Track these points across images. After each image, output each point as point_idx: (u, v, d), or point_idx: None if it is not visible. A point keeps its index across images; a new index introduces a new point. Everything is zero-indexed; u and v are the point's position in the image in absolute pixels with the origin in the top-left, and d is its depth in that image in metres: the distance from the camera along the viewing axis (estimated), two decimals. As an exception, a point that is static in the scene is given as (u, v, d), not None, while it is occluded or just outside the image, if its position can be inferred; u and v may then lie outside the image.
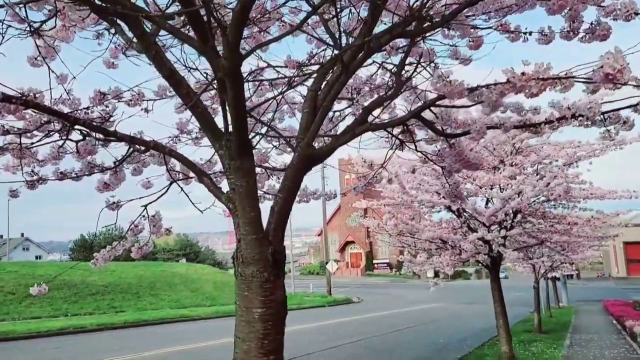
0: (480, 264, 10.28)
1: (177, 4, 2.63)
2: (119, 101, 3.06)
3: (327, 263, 36.90)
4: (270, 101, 3.15)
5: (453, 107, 2.88)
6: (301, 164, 2.78)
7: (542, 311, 22.82)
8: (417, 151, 3.22)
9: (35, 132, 2.78)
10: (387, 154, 3.40)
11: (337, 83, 2.76)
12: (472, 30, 2.89)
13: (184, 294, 28.69)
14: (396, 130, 3.07)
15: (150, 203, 3.13)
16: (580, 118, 2.57)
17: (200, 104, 2.75)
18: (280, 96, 3.17)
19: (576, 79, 2.27)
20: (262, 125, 3.21)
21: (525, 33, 2.91)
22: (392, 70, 3.04)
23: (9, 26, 2.55)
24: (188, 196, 2.99)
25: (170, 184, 3.19)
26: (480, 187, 8.48)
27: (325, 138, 3.52)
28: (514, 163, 8.74)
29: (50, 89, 2.80)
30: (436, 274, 72.30)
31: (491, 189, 9.13)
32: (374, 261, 66.95)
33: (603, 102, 2.60)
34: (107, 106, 2.98)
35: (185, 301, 27.51)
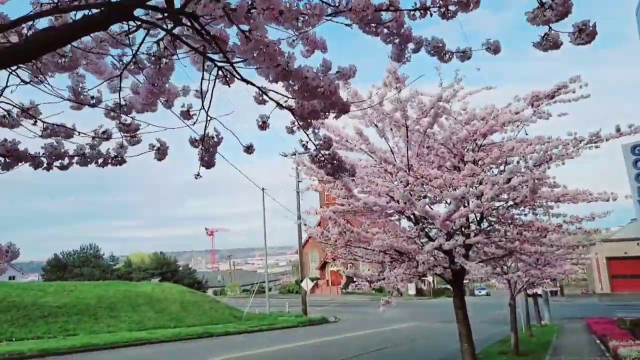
0: (441, 278, 9.06)
1: None
2: None
3: (302, 281, 35.42)
4: None
5: None
6: None
7: (523, 330, 21.63)
8: (246, 82, 2.02)
9: None
10: (207, 86, 2.15)
11: None
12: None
13: (147, 315, 26.93)
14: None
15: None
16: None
17: None
18: None
19: None
20: None
21: None
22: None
23: None
24: None
25: None
26: (436, 188, 7.30)
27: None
28: (475, 160, 7.62)
29: None
30: (418, 291, 71.14)
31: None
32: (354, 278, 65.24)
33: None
34: None
35: (148, 323, 25.78)
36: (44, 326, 21.79)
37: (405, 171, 7.34)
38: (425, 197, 8.80)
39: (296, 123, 2.07)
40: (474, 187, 7.06)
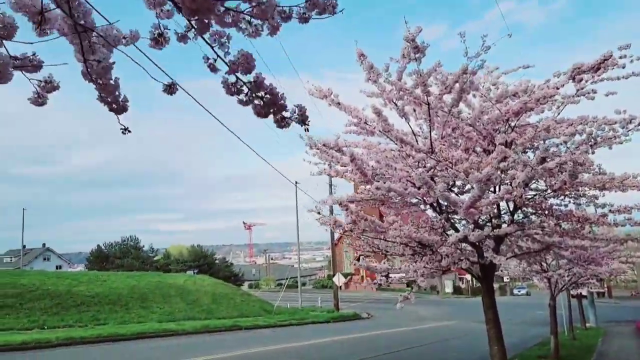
0: (471, 274, 8.25)
1: None
2: None
3: (333, 276, 34.84)
4: None
5: None
6: None
7: (565, 333, 20.35)
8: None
9: None
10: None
11: None
12: None
13: (178, 307, 26.96)
14: None
15: None
16: None
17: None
18: None
19: None
20: None
21: None
22: None
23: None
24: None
25: None
26: (461, 172, 6.50)
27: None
28: (507, 142, 6.78)
29: None
30: (456, 289, 69.18)
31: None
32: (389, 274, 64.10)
33: None
34: None
35: (179, 314, 25.77)
36: (75, 315, 22.05)
37: (426, 153, 6.58)
38: (453, 184, 8.03)
39: (188, 24, 1.42)
40: (505, 173, 6.24)
